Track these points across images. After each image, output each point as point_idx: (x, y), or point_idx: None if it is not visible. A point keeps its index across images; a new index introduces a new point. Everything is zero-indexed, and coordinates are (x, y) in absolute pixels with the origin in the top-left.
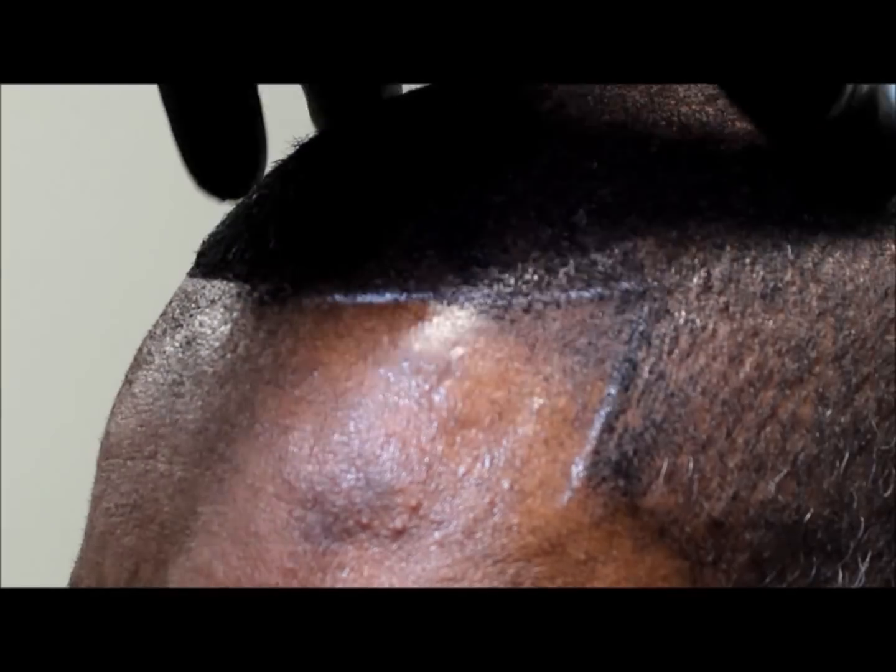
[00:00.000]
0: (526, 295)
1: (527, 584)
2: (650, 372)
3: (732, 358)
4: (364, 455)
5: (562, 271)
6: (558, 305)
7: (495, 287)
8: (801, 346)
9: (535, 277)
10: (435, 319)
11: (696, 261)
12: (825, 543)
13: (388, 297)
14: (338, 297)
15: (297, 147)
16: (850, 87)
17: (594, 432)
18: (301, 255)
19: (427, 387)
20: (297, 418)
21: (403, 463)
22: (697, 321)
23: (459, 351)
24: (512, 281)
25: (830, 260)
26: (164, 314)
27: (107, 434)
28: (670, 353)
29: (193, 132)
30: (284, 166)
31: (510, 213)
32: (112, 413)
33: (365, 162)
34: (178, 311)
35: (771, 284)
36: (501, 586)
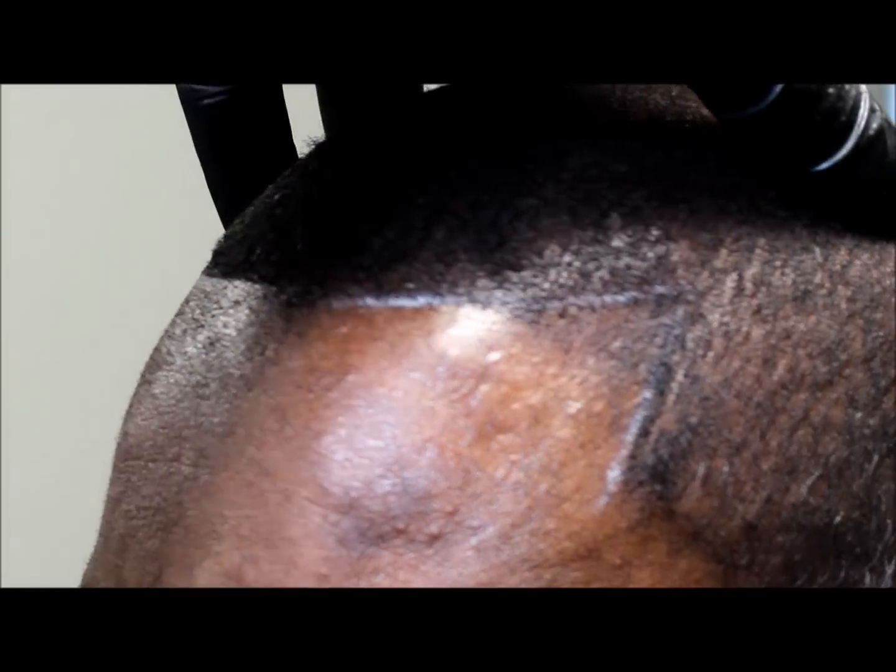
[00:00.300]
0: (561, 299)
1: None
2: (685, 375)
3: (766, 360)
4: (400, 460)
5: (596, 275)
6: (593, 309)
7: (530, 291)
8: (831, 349)
9: (570, 282)
10: (470, 324)
11: (728, 264)
12: (854, 546)
13: (422, 300)
14: (369, 301)
15: (317, 146)
16: (860, 124)
17: (630, 436)
18: (330, 257)
19: (464, 391)
20: (331, 423)
21: (440, 468)
22: (731, 324)
23: (495, 355)
24: (546, 285)
25: (858, 262)
26: (181, 313)
27: (125, 435)
28: (704, 356)
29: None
30: (306, 165)
31: (542, 217)
32: (130, 413)
33: (391, 163)
34: (198, 311)
35: (802, 287)
36: None
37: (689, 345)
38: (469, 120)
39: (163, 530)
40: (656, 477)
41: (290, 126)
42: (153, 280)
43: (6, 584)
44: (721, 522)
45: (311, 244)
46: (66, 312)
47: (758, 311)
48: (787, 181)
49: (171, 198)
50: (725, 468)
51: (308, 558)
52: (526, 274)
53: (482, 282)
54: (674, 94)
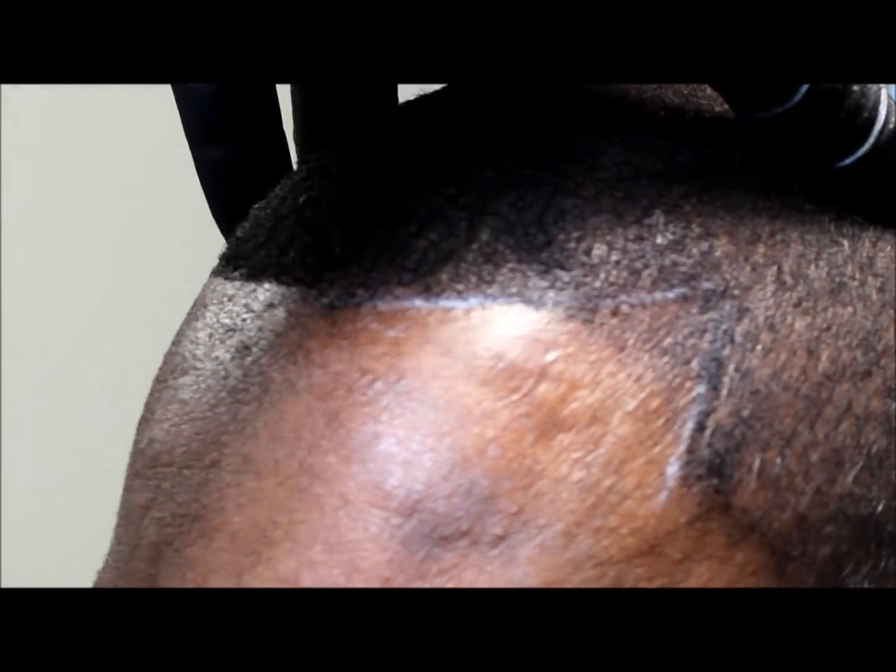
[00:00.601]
0: (613, 297)
1: (627, 587)
2: (736, 369)
3: (810, 352)
4: (463, 461)
5: (645, 273)
6: (644, 307)
7: (582, 290)
8: (867, 339)
9: (620, 280)
10: (525, 324)
11: (767, 258)
12: (894, 535)
13: (473, 301)
14: (418, 303)
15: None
16: (881, 120)
17: (687, 431)
18: (372, 259)
19: (524, 391)
20: (388, 425)
21: (504, 468)
22: (776, 317)
23: (552, 355)
24: (598, 284)
25: (882, 254)
26: (198, 318)
27: (150, 441)
28: (753, 349)
29: (232, 184)
30: (327, 167)
31: (587, 217)
32: (152, 420)
33: (421, 163)
34: (224, 315)
35: (836, 279)
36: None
37: (738, 339)
38: (491, 119)
39: (204, 537)
40: (713, 471)
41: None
42: (152, 280)
43: (6, 584)
44: (775, 515)
45: (350, 247)
46: (66, 312)
47: (798, 303)
48: (810, 177)
49: (171, 198)
50: (778, 460)
51: (371, 562)
52: (576, 273)
53: (533, 282)
54: (686, 91)
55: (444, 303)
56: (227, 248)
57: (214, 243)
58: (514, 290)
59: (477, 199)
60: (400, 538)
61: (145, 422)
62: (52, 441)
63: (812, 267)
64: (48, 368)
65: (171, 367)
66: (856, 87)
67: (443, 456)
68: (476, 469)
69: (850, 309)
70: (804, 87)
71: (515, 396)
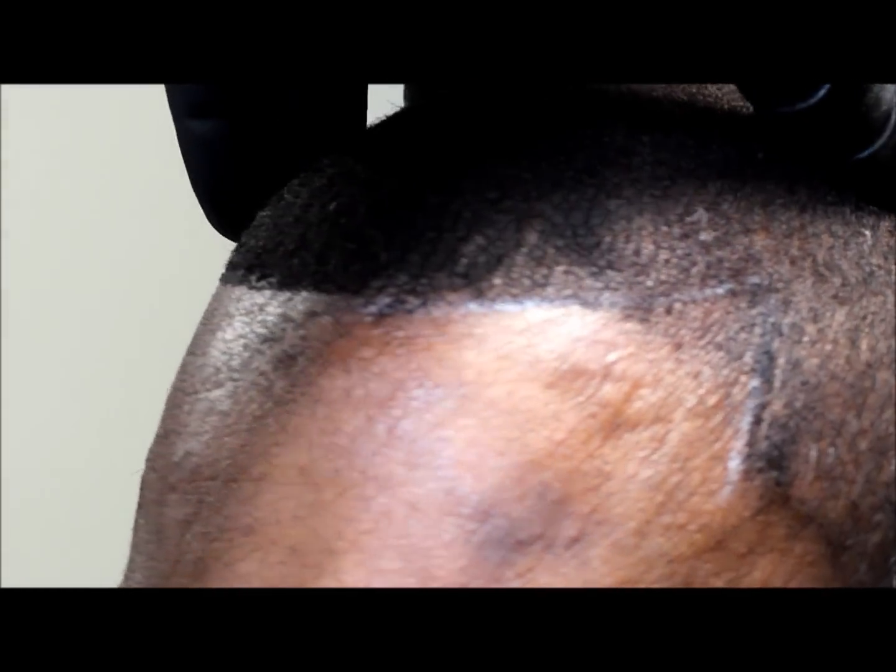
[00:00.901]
0: (666, 295)
1: (697, 583)
2: (786, 362)
3: (852, 342)
4: (533, 464)
5: (693, 270)
6: (696, 303)
7: (635, 290)
8: None
9: (671, 278)
10: (584, 325)
11: (802, 251)
12: None
13: (529, 305)
14: (472, 307)
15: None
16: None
17: (745, 425)
18: (420, 265)
19: (589, 392)
20: (453, 431)
21: (574, 470)
22: (818, 309)
23: (613, 355)
24: (650, 283)
25: None
26: (224, 328)
27: (186, 454)
28: (800, 341)
29: (216, 160)
30: (352, 172)
31: (631, 217)
32: (185, 432)
33: (458, 167)
34: (256, 325)
35: (866, 269)
36: (674, 587)
37: (786, 331)
38: (512, 121)
39: (259, 551)
40: (772, 463)
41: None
42: (150, 284)
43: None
44: (830, 505)
45: (396, 253)
46: (67, 311)
47: (836, 294)
48: (831, 170)
49: (171, 197)
50: (831, 450)
51: (447, 569)
52: (628, 273)
53: (587, 283)
54: (693, 89)
55: (499, 307)
56: (242, 257)
57: (212, 242)
58: (568, 291)
59: (520, 202)
60: (474, 544)
61: (176, 434)
62: (51, 441)
63: (843, 258)
64: (48, 368)
65: (202, 379)
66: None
67: (513, 460)
68: (547, 472)
69: (881, 297)
70: (826, 85)
71: (581, 398)
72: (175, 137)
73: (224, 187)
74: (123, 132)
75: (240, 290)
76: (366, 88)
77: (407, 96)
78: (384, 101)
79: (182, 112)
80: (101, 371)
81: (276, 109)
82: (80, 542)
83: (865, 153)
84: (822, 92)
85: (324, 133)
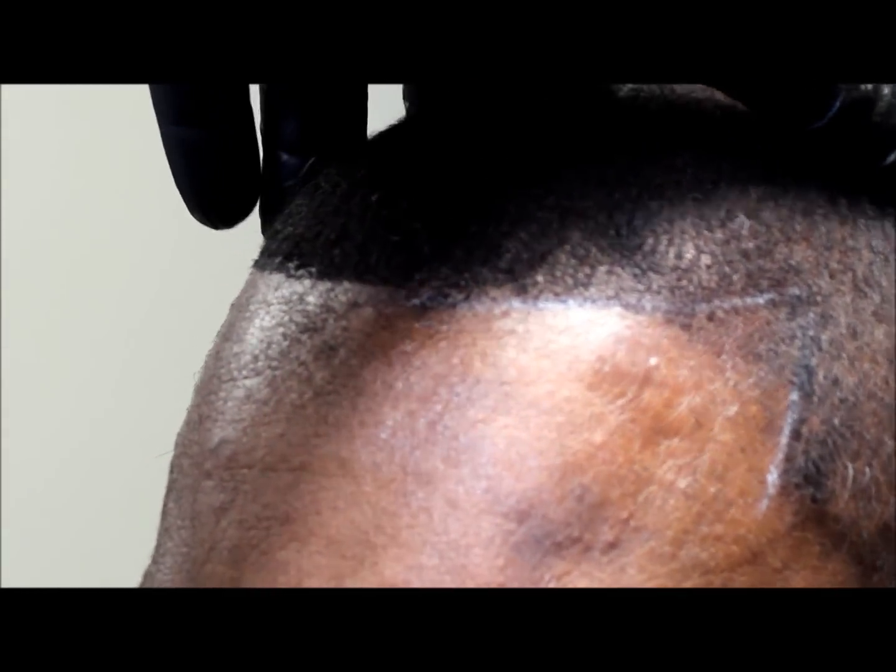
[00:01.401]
0: (708, 301)
1: None
2: (825, 377)
3: (889, 361)
4: (573, 466)
5: (735, 277)
6: (737, 312)
7: (677, 294)
8: None
9: (713, 284)
10: (626, 328)
11: (842, 264)
12: None
13: (571, 304)
14: (515, 304)
15: (390, 141)
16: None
17: (784, 439)
18: (464, 260)
19: (630, 396)
20: (494, 429)
21: (613, 474)
22: (857, 326)
23: (655, 359)
24: (692, 288)
25: None
26: (261, 316)
27: (222, 442)
28: (839, 357)
29: (199, 166)
30: (393, 164)
31: (674, 220)
32: (221, 420)
33: (497, 163)
34: (296, 314)
35: None
36: None
37: (825, 346)
38: (557, 117)
39: (297, 540)
40: (809, 479)
41: None
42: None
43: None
44: (864, 524)
45: (439, 246)
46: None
47: (875, 311)
48: (861, 181)
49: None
50: (867, 469)
51: (485, 567)
52: (670, 277)
53: (629, 284)
54: (707, 94)
55: (542, 305)
56: (278, 244)
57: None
58: (611, 292)
59: (564, 199)
60: (512, 544)
61: (211, 421)
62: (51, 440)
63: (882, 275)
64: (47, 366)
65: (239, 366)
66: (887, 89)
67: (553, 461)
68: (587, 475)
69: None
70: (837, 102)
71: (622, 401)
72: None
73: (207, 192)
74: (123, 132)
75: (277, 278)
76: (365, 93)
77: (406, 96)
78: (382, 102)
79: (168, 119)
80: (100, 370)
81: (250, 118)
82: (81, 542)
83: (889, 160)
84: (832, 111)
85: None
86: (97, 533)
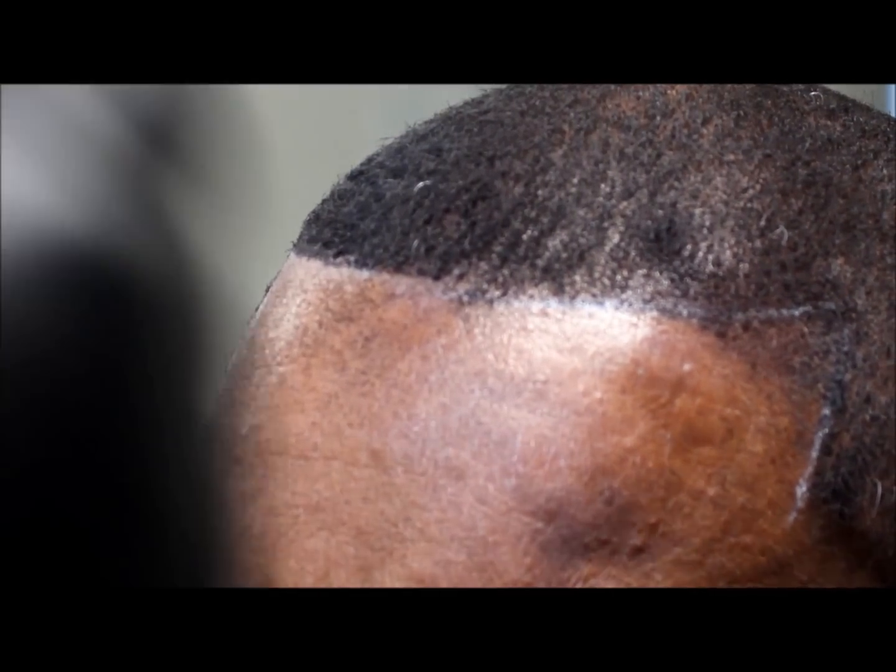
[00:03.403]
0: (744, 311)
1: None
2: (857, 394)
3: None
4: (603, 469)
5: (772, 288)
6: (772, 323)
7: (714, 302)
8: None
9: (749, 293)
10: (663, 333)
11: (879, 282)
12: None
13: (608, 306)
14: (553, 304)
15: (434, 134)
16: None
17: (815, 453)
18: (502, 256)
19: (662, 401)
20: (527, 426)
21: (642, 479)
22: (892, 345)
23: (689, 366)
24: (729, 297)
25: None
26: (296, 302)
27: (253, 428)
28: (873, 375)
29: None
30: (437, 156)
31: (714, 227)
32: (253, 406)
33: (541, 158)
34: (332, 302)
35: None
36: None
37: (859, 363)
38: (599, 116)
39: (326, 530)
40: (838, 495)
41: None
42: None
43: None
44: (890, 542)
45: (479, 242)
46: None
47: None
48: None
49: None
50: (895, 489)
51: (511, 566)
52: (707, 284)
53: (666, 289)
54: (785, 90)
55: (579, 305)
56: (318, 230)
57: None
58: (648, 296)
59: (604, 200)
60: (540, 543)
61: (243, 406)
62: None
63: None
64: None
65: (273, 353)
66: None
67: (583, 462)
68: (617, 478)
69: None
70: None
71: (654, 406)
72: None
73: None
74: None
75: (315, 265)
76: None
77: None
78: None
79: None
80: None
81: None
82: None
83: None
84: None
85: None
86: None
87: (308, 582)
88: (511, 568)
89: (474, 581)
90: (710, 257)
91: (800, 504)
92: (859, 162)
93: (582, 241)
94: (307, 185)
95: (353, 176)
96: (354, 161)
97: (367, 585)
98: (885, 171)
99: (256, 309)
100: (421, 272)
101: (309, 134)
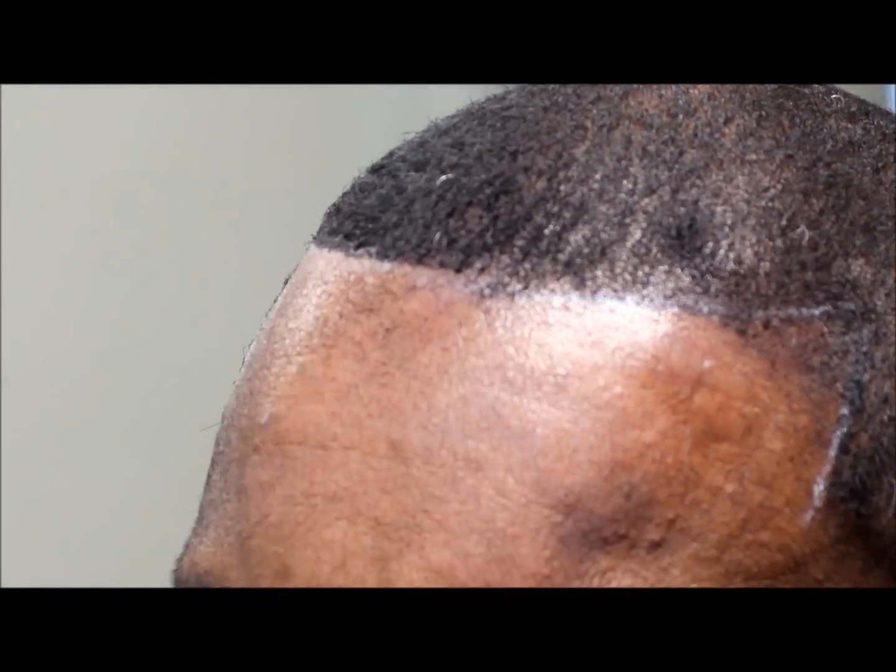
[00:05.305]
0: (765, 309)
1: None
2: (875, 394)
3: None
4: (622, 463)
5: (792, 287)
6: (792, 322)
7: (734, 299)
8: None
9: (770, 291)
10: (683, 329)
11: None
12: None
13: (630, 301)
14: (574, 298)
15: (457, 128)
16: None
17: (833, 452)
18: (524, 250)
19: (682, 397)
20: (547, 419)
21: (661, 474)
22: None
23: (709, 363)
24: (749, 294)
25: None
26: (317, 293)
27: (272, 417)
28: (890, 376)
29: None
30: (460, 150)
31: (735, 225)
32: (273, 395)
33: (563, 153)
34: (353, 293)
35: None
36: None
37: (878, 363)
38: (622, 112)
39: (344, 519)
40: (855, 494)
41: None
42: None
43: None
44: None
45: (501, 235)
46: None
47: None
48: None
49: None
50: None
51: (528, 557)
52: (728, 281)
53: (687, 286)
54: (806, 90)
55: (600, 300)
56: (339, 222)
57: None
58: (669, 292)
59: (627, 196)
60: (559, 536)
61: (262, 395)
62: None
63: None
64: (48, 362)
65: (294, 343)
66: None
67: (603, 456)
68: (636, 473)
69: None
70: None
71: (673, 402)
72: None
73: None
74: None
75: (336, 256)
76: None
77: None
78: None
79: None
80: (99, 370)
81: None
82: (80, 543)
83: None
84: None
85: None
86: (96, 533)
87: (325, 571)
88: (529, 560)
89: (492, 573)
90: (732, 255)
91: (817, 503)
92: (880, 165)
93: (604, 236)
94: (307, 184)
95: (375, 169)
96: (355, 161)
97: (383, 576)
98: None
99: (275, 300)
100: (442, 265)
101: (309, 133)
